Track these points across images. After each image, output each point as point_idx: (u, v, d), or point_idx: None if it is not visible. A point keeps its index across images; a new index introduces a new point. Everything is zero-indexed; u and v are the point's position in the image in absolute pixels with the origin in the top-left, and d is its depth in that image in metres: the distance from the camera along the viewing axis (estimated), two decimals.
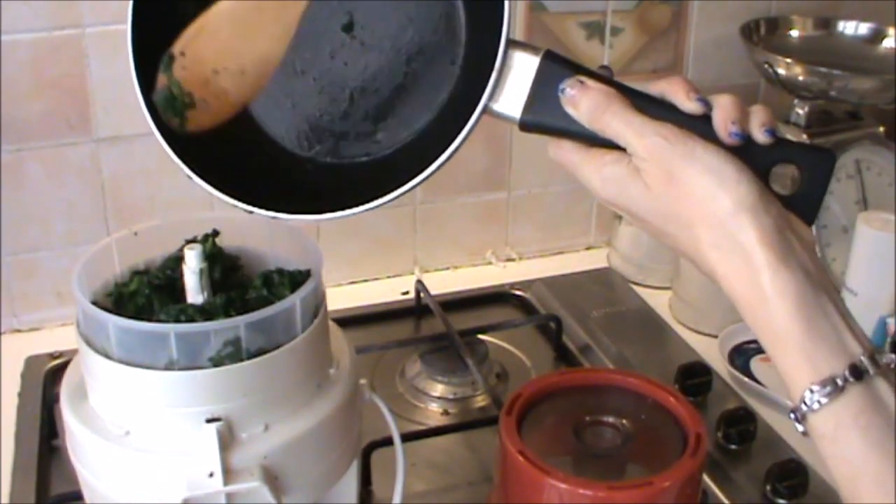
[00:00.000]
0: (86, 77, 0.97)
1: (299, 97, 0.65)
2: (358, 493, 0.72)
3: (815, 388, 0.51)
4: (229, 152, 0.66)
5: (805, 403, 0.52)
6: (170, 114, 0.65)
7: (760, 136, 0.56)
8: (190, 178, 0.63)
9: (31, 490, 0.82)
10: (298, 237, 0.69)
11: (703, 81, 1.18)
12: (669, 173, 0.54)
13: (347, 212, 0.59)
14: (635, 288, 1.13)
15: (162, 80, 0.63)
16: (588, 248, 1.24)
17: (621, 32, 1.13)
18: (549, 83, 0.58)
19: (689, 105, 0.56)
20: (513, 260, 1.20)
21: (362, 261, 1.15)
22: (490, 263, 1.20)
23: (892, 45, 1.12)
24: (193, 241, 0.67)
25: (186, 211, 0.73)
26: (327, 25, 0.64)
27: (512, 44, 0.58)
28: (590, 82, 0.57)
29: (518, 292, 1.13)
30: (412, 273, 1.17)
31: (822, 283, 0.54)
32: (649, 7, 1.13)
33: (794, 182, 0.58)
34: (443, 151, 0.59)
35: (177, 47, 0.63)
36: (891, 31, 1.12)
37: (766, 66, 1.05)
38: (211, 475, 0.59)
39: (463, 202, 1.16)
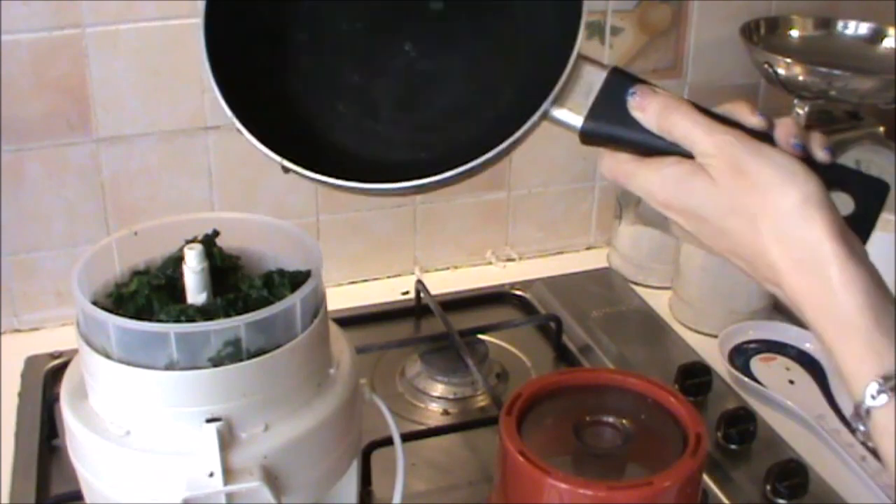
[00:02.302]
0: (86, 77, 0.97)
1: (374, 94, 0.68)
2: (358, 493, 0.72)
3: (880, 381, 0.51)
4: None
5: (871, 396, 0.51)
6: None
7: (821, 153, 0.57)
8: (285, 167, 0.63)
9: (31, 490, 0.82)
10: (298, 237, 0.69)
11: (703, 81, 1.19)
12: (737, 166, 0.54)
13: (417, 182, 0.59)
14: (635, 288, 1.13)
15: None
16: (588, 248, 1.24)
17: (621, 32, 1.13)
18: (615, 91, 0.58)
19: (753, 120, 0.57)
20: (513, 260, 1.20)
21: (362, 261, 1.15)
22: (490, 263, 1.20)
23: (892, 45, 1.12)
24: (193, 241, 0.67)
25: (186, 211, 0.73)
26: (402, 24, 0.67)
27: (580, 57, 0.59)
28: (658, 89, 0.58)
29: (518, 292, 1.13)
30: (412, 273, 1.17)
31: (883, 282, 0.54)
32: (649, 7, 1.13)
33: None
34: (496, 147, 0.59)
35: None
36: (891, 31, 1.12)
37: (766, 66, 1.05)
38: (211, 475, 0.59)
39: (463, 202, 1.16)
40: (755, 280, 0.57)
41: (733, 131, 0.56)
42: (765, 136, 0.57)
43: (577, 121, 0.59)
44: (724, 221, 0.56)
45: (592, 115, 0.59)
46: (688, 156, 0.57)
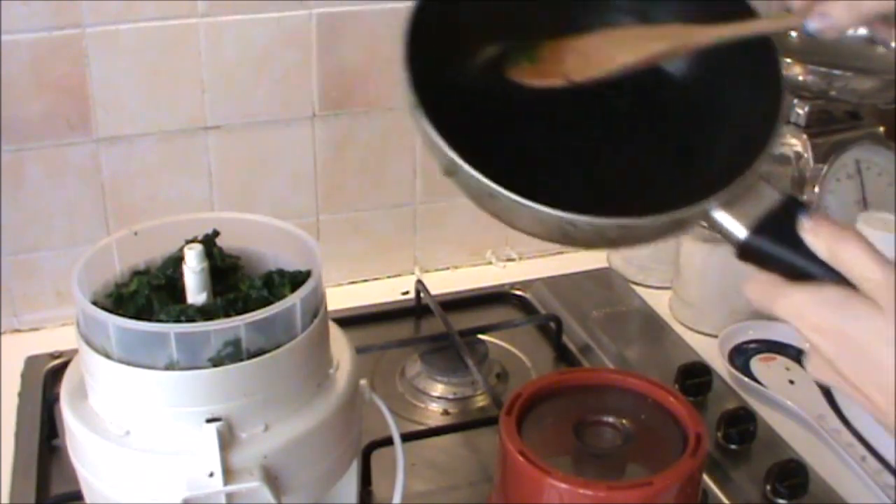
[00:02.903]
0: (86, 77, 0.97)
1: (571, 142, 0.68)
2: (358, 493, 0.72)
3: None
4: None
5: None
6: (513, 57, 0.67)
7: None
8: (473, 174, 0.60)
9: (31, 490, 0.82)
10: (298, 237, 0.69)
11: None
12: None
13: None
14: (635, 288, 1.13)
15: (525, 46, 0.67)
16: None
17: None
18: (787, 211, 0.57)
19: None
20: (513, 260, 1.20)
21: (362, 261, 1.15)
22: (490, 263, 1.20)
23: (893, 45, 1.11)
24: (193, 241, 0.67)
25: (186, 211, 0.73)
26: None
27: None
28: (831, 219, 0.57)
29: (518, 292, 1.13)
30: (412, 273, 1.17)
31: None
32: None
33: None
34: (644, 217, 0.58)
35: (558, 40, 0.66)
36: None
37: None
38: (211, 475, 0.59)
39: (463, 202, 1.14)
40: (885, 421, 0.55)
41: None
42: None
43: (741, 231, 0.57)
44: (879, 352, 0.54)
45: (758, 228, 0.57)
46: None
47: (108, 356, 0.60)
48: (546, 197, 0.58)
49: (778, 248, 0.57)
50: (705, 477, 0.82)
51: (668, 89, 0.69)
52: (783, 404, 0.92)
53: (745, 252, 0.58)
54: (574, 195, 0.59)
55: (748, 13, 0.66)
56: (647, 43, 0.66)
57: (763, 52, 0.66)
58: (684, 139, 0.68)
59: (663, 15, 0.69)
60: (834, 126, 1.08)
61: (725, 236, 0.58)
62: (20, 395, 0.94)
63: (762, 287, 0.57)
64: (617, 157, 0.68)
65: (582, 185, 0.66)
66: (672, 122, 0.69)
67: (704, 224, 0.59)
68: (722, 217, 0.58)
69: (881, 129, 1.09)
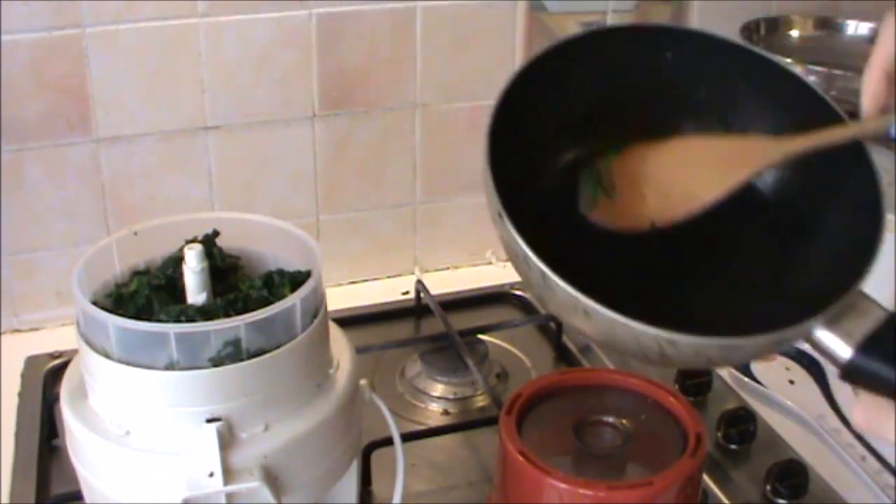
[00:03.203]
0: (86, 77, 0.97)
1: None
2: (358, 493, 0.72)
3: None
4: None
5: None
6: (588, 188, 0.65)
7: None
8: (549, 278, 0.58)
9: (31, 490, 0.82)
10: (298, 237, 0.69)
11: None
12: None
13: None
14: None
15: (600, 163, 0.65)
16: None
17: None
18: (894, 330, 0.55)
19: None
20: None
21: (362, 261, 1.15)
22: (490, 263, 1.20)
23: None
24: (193, 241, 0.67)
25: (186, 211, 0.73)
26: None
27: (860, 291, 0.57)
28: None
29: (518, 292, 1.12)
30: (412, 273, 1.17)
31: None
32: (649, 7, 1.13)
33: None
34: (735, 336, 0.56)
35: (631, 148, 0.65)
36: None
37: None
38: (211, 475, 0.59)
39: (463, 202, 1.16)
40: None
41: None
42: None
43: (845, 351, 0.55)
44: None
45: (864, 348, 0.54)
46: None
47: (108, 356, 0.60)
48: (634, 315, 0.55)
49: (886, 367, 0.54)
50: (705, 477, 0.82)
51: (754, 199, 0.67)
52: (783, 404, 0.92)
53: (850, 372, 0.55)
54: (660, 313, 0.56)
55: (833, 115, 0.63)
56: (728, 169, 0.63)
57: (854, 156, 0.63)
58: (773, 254, 0.66)
59: (743, 117, 0.67)
60: None
61: (828, 356, 0.55)
62: (20, 395, 0.94)
63: (871, 411, 0.54)
64: (702, 273, 0.66)
65: (669, 303, 0.63)
66: (759, 235, 0.67)
67: (805, 343, 0.56)
68: (825, 336, 0.55)
69: None
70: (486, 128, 0.60)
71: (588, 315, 0.56)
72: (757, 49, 0.69)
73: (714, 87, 0.68)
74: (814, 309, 0.55)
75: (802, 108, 0.64)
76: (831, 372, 0.96)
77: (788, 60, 1.03)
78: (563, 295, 0.56)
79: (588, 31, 0.67)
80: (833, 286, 0.57)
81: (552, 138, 0.67)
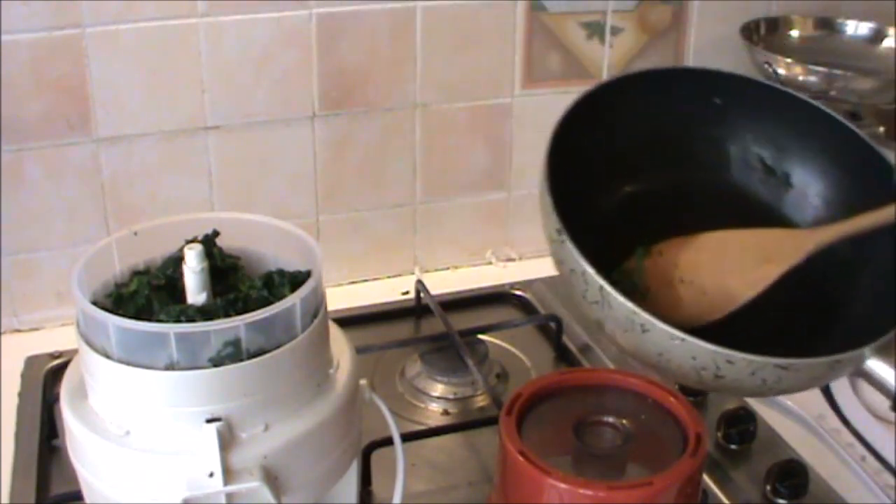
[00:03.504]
0: (86, 77, 0.97)
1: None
2: (358, 493, 0.72)
3: None
4: None
5: None
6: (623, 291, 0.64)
7: None
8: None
9: (31, 490, 0.82)
10: (298, 237, 0.69)
11: None
12: None
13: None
14: None
15: (631, 263, 0.66)
16: None
17: (621, 32, 1.13)
18: None
19: None
20: (513, 260, 1.20)
21: (362, 261, 1.15)
22: (490, 263, 1.20)
23: (892, 45, 1.12)
24: (193, 241, 0.67)
25: (186, 211, 0.73)
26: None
27: None
28: None
29: (518, 292, 1.13)
30: (412, 273, 1.17)
31: None
32: (649, 7, 1.13)
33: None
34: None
35: (659, 247, 0.65)
36: (891, 31, 1.12)
37: (766, 66, 1.05)
38: (211, 475, 0.59)
39: (463, 202, 1.16)
40: None
41: None
42: None
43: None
44: None
45: None
46: None
47: (108, 356, 0.60)
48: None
49: None
50: (705, 477, 0.82)
51: None
52: (783, 404, 0.92)
53: None
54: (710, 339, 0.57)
55: (880, 162, 0.64)
56: (762, 266, 0.63)
57: None
58: (820, 289, 0.66)
59: (789, 163, 0.68)
60: None
61: (878, 386, 0.56)
62: (20, 395, 0.94)
63: None
64: (753, 306, 0.67)
65: (720, 331, 0.63)
66: (807, 271, 0.67)
67: (856, 373, 0.57)
68: (876, 365, 0.56)
69: (881, 129, 1.09)
70: (545, 152, 0.61)
71: (645, 331, 0.56)
72: (804, 96, 0.70)
73: (760, 132, 0.69)
74: (865, 340, 0.56)
75: (849, 154, 0.65)
76: None
77: (790, 60, 1.03)
78: (622, 310, 0.56)
79: (641, 71, 0.68)
80: (883, 318, 0.57)
81: (600, 171, 0.68)
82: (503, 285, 1.14)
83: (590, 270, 0.58)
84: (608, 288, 0.57)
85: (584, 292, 0.59)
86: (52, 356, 0.98)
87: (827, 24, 1.15)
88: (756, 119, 0.70)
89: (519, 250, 1.20)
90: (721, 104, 0.69)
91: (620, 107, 0.68)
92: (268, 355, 0.61)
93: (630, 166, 0.69)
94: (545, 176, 0.60)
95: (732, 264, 0.65)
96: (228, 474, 0.60)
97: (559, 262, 0.61)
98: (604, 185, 0.70)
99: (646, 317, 0.55)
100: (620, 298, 0.56)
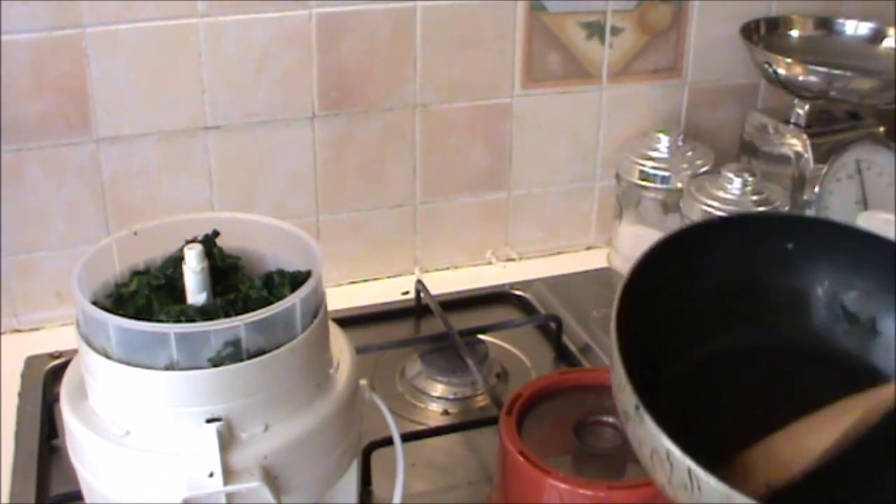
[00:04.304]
0: (86, 77, 0.97)
1: None
2: (358, 493, 0.72)
3: None
4: None
5: None
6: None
7: None
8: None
9: (31, 490, 0.82)
10: (298, 237, 0.69)
11: (703, 81, 1.19)
12: None
13: None
14: None
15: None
16: (588, 248, 1.24)
17: (621, 32, 1.13)
18: None
19: None
20: (513, 260, 1.20)
21: (362, 261, 1.15)
22: (490, 263, 1.20)
23: (892, 45, 1.12)
24: (193, 241, 0.67)
25: (186, 211, 0.73)
26: None
27: None
28: None
29: (518, 292, 1.13)
30: (412, 273, 1.17)
31: None
32: (649, 7, 1.13)
33: None
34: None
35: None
36: (891, 31, 1.12)
37: (766, 66, 1.05)
38: (211, 475, 0.59)
39: (463, 202, 1.16)
40: None
41: None
42: None
43: None
44: None
45: None
46: None
47: (107, 356, 0.60)
48: None
49: None
50: None
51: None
52: None
53: None
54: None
55: None
56: (835, 417, 0.62)
57: None
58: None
59: (864, 304, 0.67)
60: (834, 126, 1.09)
61: None
62: (20, 395, 0.94)
63: None
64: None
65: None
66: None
67: None
68: None
69: (881, 129, 1.09)
70: (613, 321, 0.57)
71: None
72: (882, 234, 0.67)
73: (833, 277, 0.67)
74: None
75: None
76: None
77: (790, 60, 1.03)
78: (716, 494, 0.52)
79: (712, 219, 0.65)
80: None
81: (668, 334, 0.64)
82: (503, 285, 1.14)
83: (675, 451, 0.53)
84: (697, 468, 0.53)
85: (667, 473, 0.55)
86: (52, 356, 0.98)
87: (827, 24, 1.15)
88: (832, 262, 0.68)
89: (519, 250, 1.20)
90: (793, 249, 0.67)
91: (687, 262, 0.65)
92: (268, 355, 0.61)
93: (700, 327, 0.66)
94: (617, 346, 0.56)
95: (809, 430, 0.62)
96: (228, 474, 0.60)
97: (636, 441, 0.57)
98: (671, 349, 0.65)
99: (743, 500, 0.52)
100: (713, 482, 0.52)
